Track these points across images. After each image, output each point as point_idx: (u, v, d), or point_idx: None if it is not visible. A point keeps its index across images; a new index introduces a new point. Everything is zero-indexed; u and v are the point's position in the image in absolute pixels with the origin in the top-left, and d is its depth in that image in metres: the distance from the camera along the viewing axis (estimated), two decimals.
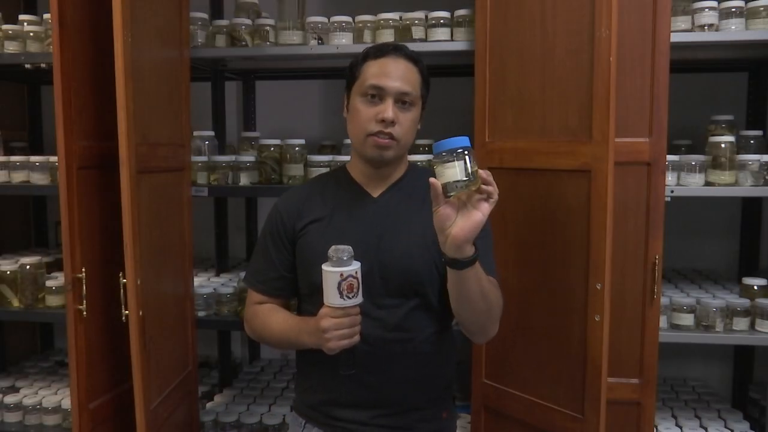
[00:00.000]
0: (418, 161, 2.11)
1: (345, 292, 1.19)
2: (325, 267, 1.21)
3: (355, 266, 1.20)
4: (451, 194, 1.13)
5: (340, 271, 1.19)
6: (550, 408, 1.75)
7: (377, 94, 1.33)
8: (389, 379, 1.36)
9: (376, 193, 1.42)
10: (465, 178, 1.11)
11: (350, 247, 1.21)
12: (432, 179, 1.14)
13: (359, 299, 1.22)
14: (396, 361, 1.35)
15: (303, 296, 1.45)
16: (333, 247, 1.20)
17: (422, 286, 1.35)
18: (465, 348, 1.98)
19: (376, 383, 1.36)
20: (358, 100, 1.36)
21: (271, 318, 1.42)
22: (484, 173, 1.13)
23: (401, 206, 1.40)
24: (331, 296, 1.20)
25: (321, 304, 1.25)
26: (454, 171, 1.11)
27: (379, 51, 1.37)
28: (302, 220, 1.41)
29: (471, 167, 1.12)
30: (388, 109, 1.31)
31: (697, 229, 2.55)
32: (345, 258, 1.19)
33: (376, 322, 1.33)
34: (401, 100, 1.33)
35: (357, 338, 1.24)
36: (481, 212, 1.14)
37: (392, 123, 1.32)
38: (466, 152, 1.12)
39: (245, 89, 2.75)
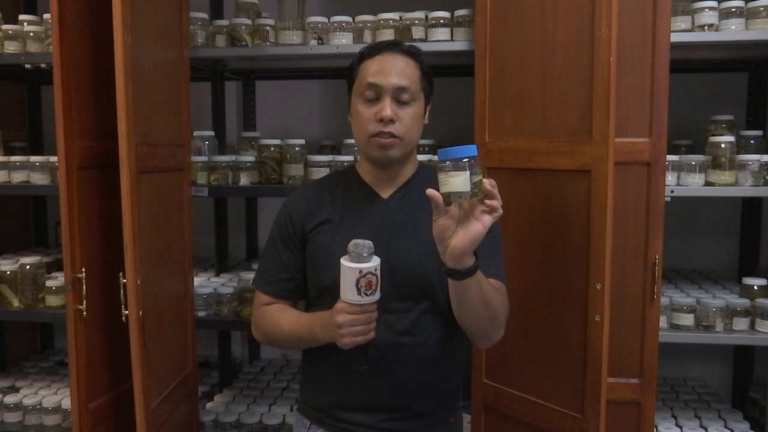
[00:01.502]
0: (418, 161, 2.11)
1: (363, 289, 1.15)
2: (343, 261, 1.17)
3: (375, 262, 1.17)
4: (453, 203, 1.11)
5: (359, 268, 1.15)
6: (550, 408, 1.75)
7: (375, 93, 1.31)
8: (397, 384, 1.34)
9: (385, 194, 1.39)
10: (467, 190, 1.08)
11: (370, 242, 1.16)
12: (430, 191, 1.11)
13: (377, 296, 1.18)
14: (404, 366, 1.33)
15: (312, 298, 1.43)
16: (353, 241, 1.16)
17: (432, 289, 1.32)
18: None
19: (383, 387, 1.34)
20: (358, 102, 1.33)
21: (281, 316, 1.39)
22: (488, 184, 1.09)
23: (411, 208, 1.37)
24: (348, 292, 1.17)
25: (330, 307, 1.23)
26: (457, 181, 1.08)
27: (375, 49, 1.35)
28: (312, 220, 1.38)
29: (475, 178, 1.08)
30: (386, 108, 1.28)
31: (697, 229, 2.55)
32: (365, 254, 1.15)
33: (384, 326, 1.29)
34: (400, 97, 1.30)
35: (372, 334, 1.21)
36: (482, 224, 1.11)
37: (391, 121, 1.29)
38: (471, 162, 1.08)
39: (245, 89, 2.75)
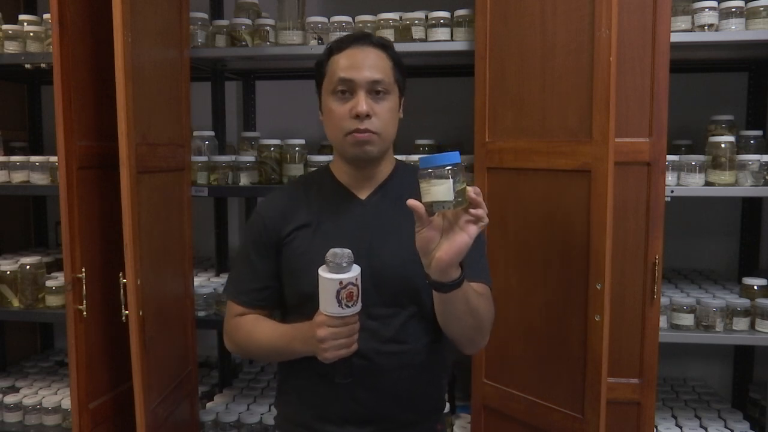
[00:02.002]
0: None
1: (344, 301, 1.10)
2: (322, 273, 1.11)
3: (355, 272, 1.11)
4: (436, 213, 1.06)
5: (339, 279, 1.09)
6: (550, 408, 1.75)
7: (347, 89, 1.24)
8: (383, 394, 1.28)
9: (363, 195, 1.33)
10: (450, 199, 1.02)
11: (350, 251, 1.11)
12: (411, 201, 1.05)
13: (358, 307, 1.13)
14: (390, 375, 1.27)
15: (290, 307, 1.36)
16: (331, 251, 1.10)
17: (418, 293, 1.26)
18: None
19: (368, 398, 1.28)
20: (330, 99, 1.27)
21: (257, 328, 1.32)
22: (473, 192, 1.03)
23: (391, 208, 1.30)
24: (328, 304, 1.11)
25: (310, 315, 1.17)
26: (440, 190, 1.02)
27: (344, 42, 1.29)
28: (287, 225, 1.31)
29: (458, 187, 1.02)
30: (361, 102, 1.22)
31: (697, 229, 2.55)
32: (344, 264, 1.09)
33: (368, 333, 1.22)
34: (374, 90, 1.24)
35: (355, 347, 1.16)
36: (467, 234, 1.05)
37: (368, 116, 1.23)
38: (454, 170, 1.02)
39: (245, 89, 2.75)
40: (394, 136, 1.32)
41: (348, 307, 1.11)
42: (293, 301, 1.33)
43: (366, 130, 1.24)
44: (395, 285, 1.26)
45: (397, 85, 1.31)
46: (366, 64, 1.25)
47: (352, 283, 1.10)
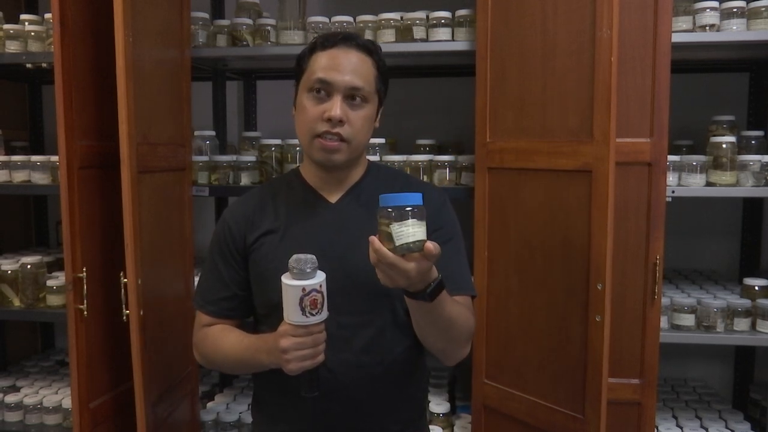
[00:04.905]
0: (419, 161, 2.10)
1: (308, 309, 1.05)
2: (285, 279, 1.06)
3: (320, 279, 1.07)
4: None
5: (302, 285, 1.05)
6: (551, 408, 1.75)
7: (324, 90, 1.20)
8: (358, 408, 1.23)
9: (333, 198, 1.28)
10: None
11: (314, 257, 1.06)
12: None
13: (324, 315, 1.08)
14: (365, 388, 1.22)
15: (259, 316, 1.31)
16: (294, 256, 1.06)
17: (391, 299, 1.22)
18: None
19: (344, 413, 1.22)
20: (305, 96, 1.22)
21: (224, 339, 1.26)
22: (373, 254, 1.00)
23: (362, 212, 1.26)
24: (291, 313, 1.06)
25: (279, 325, 1.13)
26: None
27: (328, 41, 1.22)
28: (254, 232, 1.27)
29: (387, 229, 1.00)
30: (335, 107, 1.17)
31: (698, 230, 2.55)
32: (308, 270, 1.05)
33: (340, 344, 1.16)
34: (351, 96, 1.20)
35: (321, 358, 1.10)
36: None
37: (340, 122, 1.18)
38: (387, 212, 1.00)
39: (246, 89, 2.75)
40: (367, 144, 1.28)
41: (312, 315, 1.06)
42: (262, 310, 1.29)
43: (337, 136, 1.19)
44: (368, 291, 1.20)
45: (378, 95, 1.25)
46: (348, 68, 1.19)
47: (316, 290, 1.06)
